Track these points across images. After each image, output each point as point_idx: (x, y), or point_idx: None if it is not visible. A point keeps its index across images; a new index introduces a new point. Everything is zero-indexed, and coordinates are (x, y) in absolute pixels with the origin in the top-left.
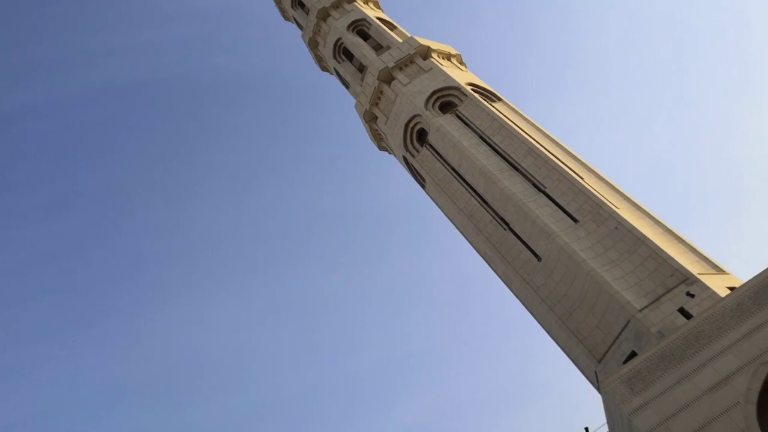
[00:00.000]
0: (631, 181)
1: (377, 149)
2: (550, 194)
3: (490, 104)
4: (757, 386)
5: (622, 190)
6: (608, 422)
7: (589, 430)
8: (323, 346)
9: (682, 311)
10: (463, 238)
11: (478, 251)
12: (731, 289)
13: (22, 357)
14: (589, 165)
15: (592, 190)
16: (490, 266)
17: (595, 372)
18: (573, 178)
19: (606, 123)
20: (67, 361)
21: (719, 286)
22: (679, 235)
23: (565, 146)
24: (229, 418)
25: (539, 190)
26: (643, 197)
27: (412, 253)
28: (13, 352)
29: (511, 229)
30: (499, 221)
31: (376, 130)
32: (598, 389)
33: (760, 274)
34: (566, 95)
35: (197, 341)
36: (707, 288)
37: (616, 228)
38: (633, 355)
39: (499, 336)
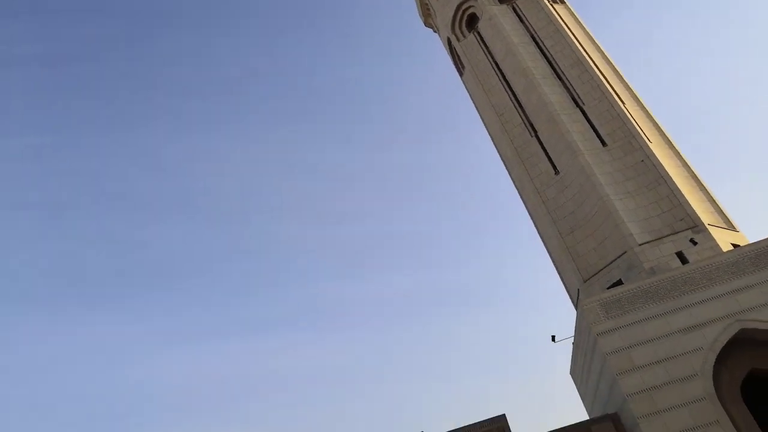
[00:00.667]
0: (676, 118)
1: (423, 24)
2: (587, 111)
3: (551, 4)
4: (725, 339)
5: (660, 125)
6: (575, 337)
7: (555, 338)
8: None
9: (680, 255)
10: (485, 134)
11: (498, 151)
12: (735, 246)
13: None
14: (634, 91)
15: (630, 118)
16: (507, 168)
17: (578, 289)
18: (614, 100)
19: (667, 52)
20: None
21: (724, 241)
22: (703, 182)
23: (616, 67)
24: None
25: (577, 104)
26: (683, 138)
27: (424, 141)
28: None
29: (538, 137)
30: (528, 126)
31: (426, 4)
32: (575, 305)
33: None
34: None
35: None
36: (711, 239)
37: (642, 161)
38: (619, 283)
39: (492, 239)
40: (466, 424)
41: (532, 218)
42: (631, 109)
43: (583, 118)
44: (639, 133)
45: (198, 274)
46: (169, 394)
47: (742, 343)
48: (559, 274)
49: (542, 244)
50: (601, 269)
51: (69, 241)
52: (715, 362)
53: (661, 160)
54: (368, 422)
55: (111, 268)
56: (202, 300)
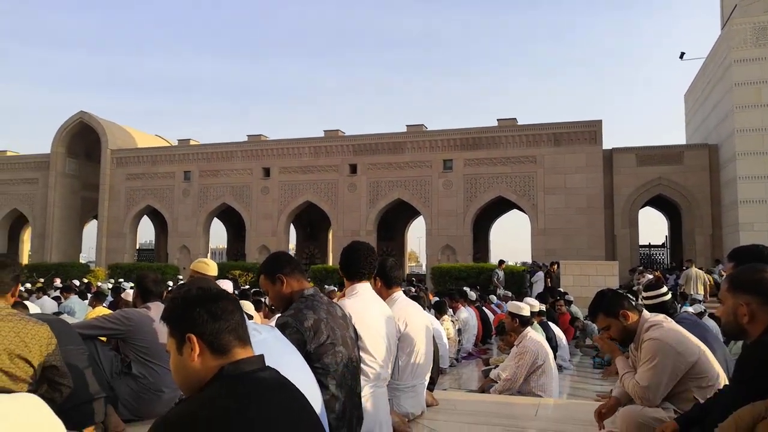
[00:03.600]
0: None
1: None
2: None
3: None
4: None
5: None
6: (707, 59)
7: (684, 56)
8: None
9: None
10: None
11: None
12: None
13: None
14: None
15: None
16: None
17: (736, 5)
18: None
19: None
20: None
21: None
22: None
23: None
24: None
25: None
26: None
27: None
28: None
29: None
30: None
31: None
32: (723, 25)
33: None
34: None
35: None
36: None
37: None
38: None
39: None
40: (562, 121)
41: None
42: None
43: None
44: None
45: None
46: None
47: None
48: None
49: None
50: None
51: None
52: None
53: None
54: (460, 100)
55: None
56: None
